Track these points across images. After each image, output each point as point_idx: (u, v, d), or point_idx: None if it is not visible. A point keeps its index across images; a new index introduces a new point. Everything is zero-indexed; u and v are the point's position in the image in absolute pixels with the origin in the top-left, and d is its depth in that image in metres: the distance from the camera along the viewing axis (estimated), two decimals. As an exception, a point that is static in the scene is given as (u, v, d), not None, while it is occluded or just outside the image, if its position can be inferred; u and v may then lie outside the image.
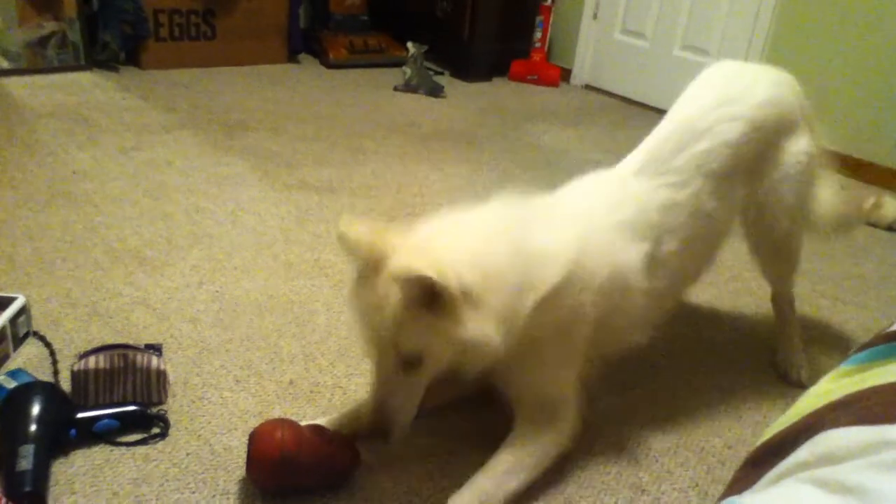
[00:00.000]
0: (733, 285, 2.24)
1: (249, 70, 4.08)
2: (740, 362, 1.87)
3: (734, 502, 0.61)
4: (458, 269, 1.14)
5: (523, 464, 1.33)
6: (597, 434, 1.55)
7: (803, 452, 0.66)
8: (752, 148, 1.54)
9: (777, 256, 1.74)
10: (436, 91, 4.01)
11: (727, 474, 1.46)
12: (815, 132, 1.67)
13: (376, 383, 1.25)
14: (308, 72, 4.24)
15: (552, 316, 1.30)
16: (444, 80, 4.26)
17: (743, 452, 1.53)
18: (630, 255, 1.41)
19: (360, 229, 1.20)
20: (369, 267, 1.19)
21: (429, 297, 1.13)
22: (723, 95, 1.55)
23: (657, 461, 1.49)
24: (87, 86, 3.51)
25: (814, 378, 1.21)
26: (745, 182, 1.57)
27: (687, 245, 1.49)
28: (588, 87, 4.50)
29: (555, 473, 1.42)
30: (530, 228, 1.32)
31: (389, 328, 1.17)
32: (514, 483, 1.30)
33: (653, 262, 1.44)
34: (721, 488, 0.67)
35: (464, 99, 4.03)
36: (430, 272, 1.09)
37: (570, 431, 1.39)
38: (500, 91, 4.32)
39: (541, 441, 1.36)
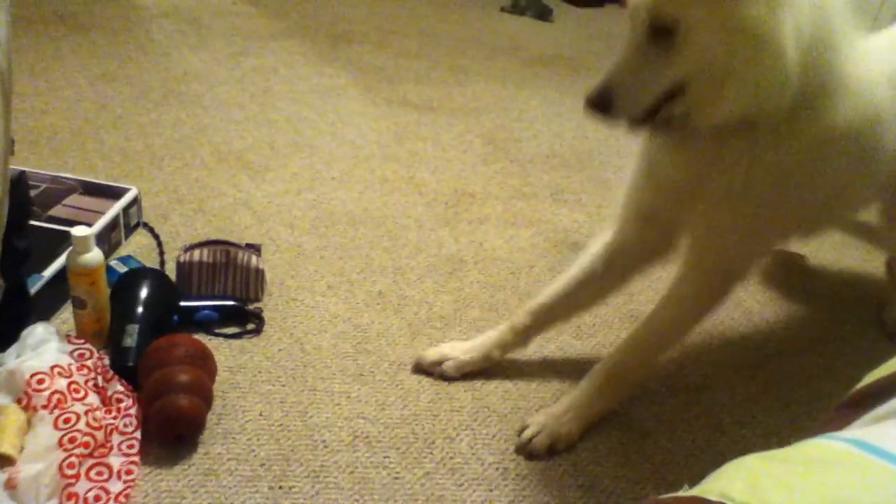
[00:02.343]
0: (838, 236, 2.13)
1: (357, -18, 4.06)
2: (840, 316, 1.80)
3: (830, 437, 0.60)
4: None
5: (681, 321, 1.37)
6: (679, 372, 1.54)
7: (906, 398, 0.64)
8: None
9: None
10: (544, 14, 3.89)
11: (812, 427, 1.43)
12: None
13: (618, 55, 1.10)
14: (415, -13, 4.18)
15: (830, 135, 1.12)
16: (554, 2, 4.13)
17: (831, 407, 1.49)
18: None
19: None
20: None
21: None
22: None
23: (740, 405, 1.47)
24: (201, -11, 3.57)
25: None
26: None
27: None
28: (704, 19, 4.28)
29: (631, 406, 1.43)
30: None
31: None
32: (670, 338, 1.39)
33: None
34: (805, 438, 0.65)
35: (573, 24, 3.91)
36: None
37: (722, 300, 1.37)
38: (611, 18, 4.16)
39: (698, 304, 1.36)
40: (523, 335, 1.44)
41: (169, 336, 1.30)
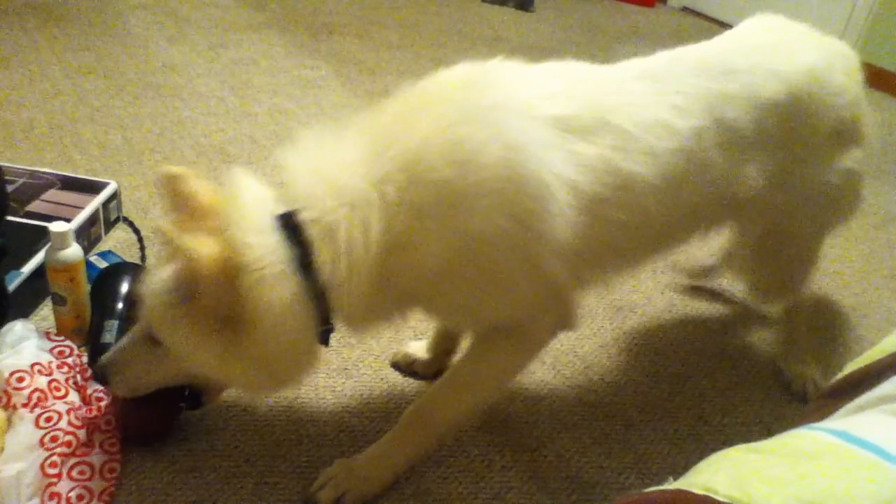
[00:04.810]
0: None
1: (337, -28, 4.03)
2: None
3: (814, 428, 0.60)
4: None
5: (482, 375, 1.19)
6: (662, 362, 1.55)
7: (887, 387, 0.64)
8: (781, 125, 1.23)
9: (788, 265, 1.45)
10: (525, 4, 3.89)
11: (793, 413, 1.44)
12: (866, 133, 1.36)
13: (130, 331, 1.11)
14: (396, -23, 4.16)
15: (428, 256, 1.02)
16: (535, -7, 4.13)
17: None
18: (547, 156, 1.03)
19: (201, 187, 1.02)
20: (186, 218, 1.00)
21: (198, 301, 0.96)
22: (765, 46, 1.27)
23: (722, 394, 1.49)
24: (179, -20, 3.53)
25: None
26: (761, 168, 1.24)
27: (671, 186, 1.14)
28: (686, 9, 4.29)
29: (615, 396, 1.44)
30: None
31: (151, 292, 1.02)
32: (482, 392, 1.20)
33: (608, 189, 1.08)
34: (787, 426, 0.66)
35: (554, 14, 3.90)
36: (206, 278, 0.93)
37: (543, 335, 1.21)
38: (592, 8, 4.16)
39: (506, 353, 1.19)
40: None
41: None
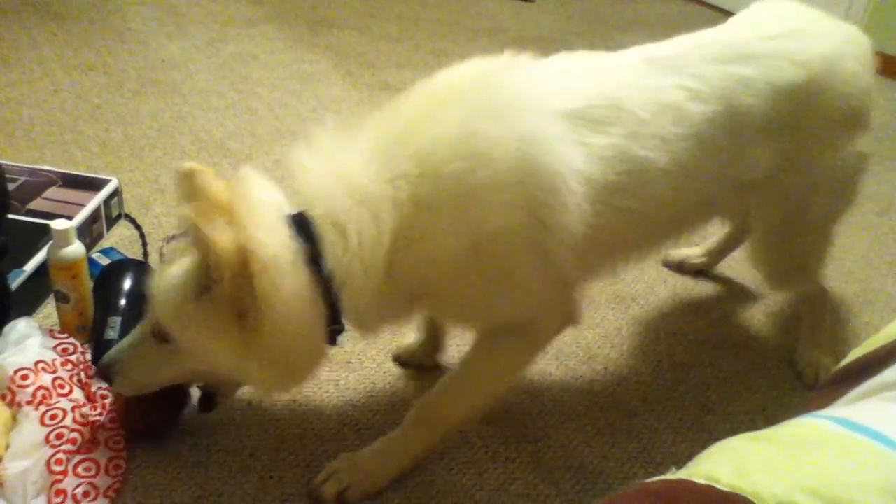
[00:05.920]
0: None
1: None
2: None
3: (817, 416, 0.60)
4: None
5: (489, 372, 1.20)
6: (665, 352, 1.55)
7: (890, 374, 0.64)
8: (796, 111, 1.22)
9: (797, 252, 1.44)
10: (525, -5, 3.87)
11: (797, 401, 1.44)
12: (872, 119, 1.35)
13: (135, 329, 1.12)
14: (395, -31, 4.14)
15: (435, 253, 1.02)
16: (534, -17, 4.11)
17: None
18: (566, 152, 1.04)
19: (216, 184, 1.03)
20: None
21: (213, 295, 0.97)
22: (782, 32, 1.25)
23: (726, 382, 1.49)
24: (177, -25, 3.52)
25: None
26: (773, 153, 1.23)
27: (682, 172, 1.14)
28: (686, -3, 4.28)
29: (618, 386, 1.44)
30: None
31: (162, 288, 1.03)
32: (490, 388, 1.20)
33: (623, 176, 1.09)
34: (790, 414, 0.66)
35: (555, 4, 3.89)
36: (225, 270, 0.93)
37: (547, 333, 1.21)
38: (591, -2, 4.14)
39: (510, 351, 1.19)
40: None
41: None
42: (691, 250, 1.82)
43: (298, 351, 1.03)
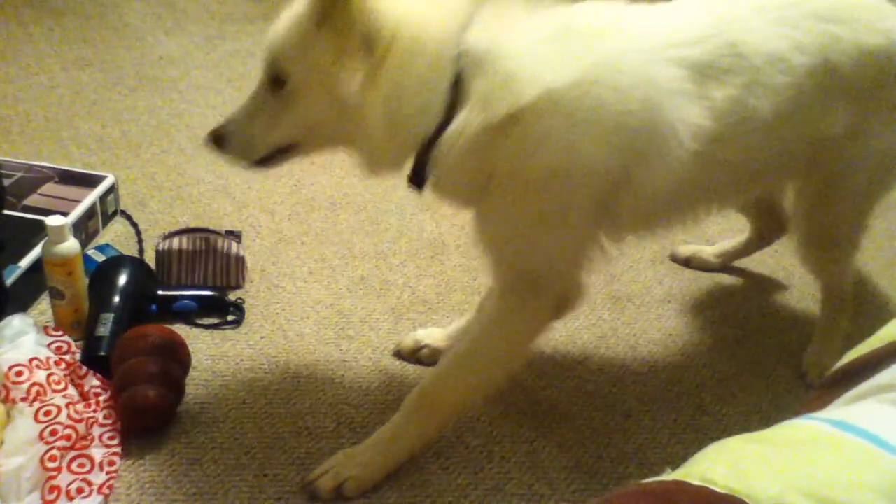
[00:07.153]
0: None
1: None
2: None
3: (812, 418, 0.60)
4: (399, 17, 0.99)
5: (486, 353, 1.19)
6: (660, 352, 1.55)
7: (886, 376, 0.64)
8: (874, 77, 1.22)
9: (830, 239, 1.44)
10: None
11: (793, 402, 1.44)
12: None
13: (248, 96, 1.14)
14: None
15: (521, 155, 1.03)
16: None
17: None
18: (681, 102, 1.07)
19: None
20: None
21: (335, 20, 0.99)
22: (863, 3, 1.25)
23: (722, 384, 1.49)
24: (175, -28, 3.51)
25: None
26: (846, 115, 1.24)
27: (778, 122, 1.16)
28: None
29: (614, 387, 1.44)
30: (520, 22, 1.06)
31: (280, 26, 1.06)
32: (491, 367, 1.19)
33: (728, 122, 1.11)
34: (786, 416, 0.66)
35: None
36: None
37: (550, 309, 1.20)
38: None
39: (518, 324, 1.18)
40: None
41: (140, 326, 1.29)
42: (704, 248, 1.82)
43: (411, 104, 1.02)
